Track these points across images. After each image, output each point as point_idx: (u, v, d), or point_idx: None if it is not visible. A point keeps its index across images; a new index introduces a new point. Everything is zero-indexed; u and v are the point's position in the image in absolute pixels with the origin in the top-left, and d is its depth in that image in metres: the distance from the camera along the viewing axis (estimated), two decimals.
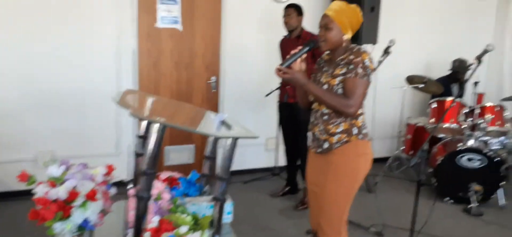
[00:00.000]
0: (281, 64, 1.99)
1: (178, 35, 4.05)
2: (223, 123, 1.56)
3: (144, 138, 1.83)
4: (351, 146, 2.01)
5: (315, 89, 1.96)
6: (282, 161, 4.43)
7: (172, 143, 4.20)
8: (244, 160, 4.53)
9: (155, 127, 1.32)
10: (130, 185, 1.87)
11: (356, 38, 3.78)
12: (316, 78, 2.12)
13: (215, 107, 4.35)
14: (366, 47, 4.02)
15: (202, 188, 2.04)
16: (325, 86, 2.00)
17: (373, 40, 4.02)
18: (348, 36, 1.99)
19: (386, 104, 4.98)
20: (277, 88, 4.12)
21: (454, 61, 4.81)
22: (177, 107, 2.00)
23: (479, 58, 2.75)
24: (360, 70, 1.92)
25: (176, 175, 2.08)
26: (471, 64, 2.85)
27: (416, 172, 2.62)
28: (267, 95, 4.17)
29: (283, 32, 3.78)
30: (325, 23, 1.98)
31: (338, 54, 2.03)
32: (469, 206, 3.78)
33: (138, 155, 1.95)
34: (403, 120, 4.83)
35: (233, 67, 4.30)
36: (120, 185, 2.12)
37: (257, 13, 4.30)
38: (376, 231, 3.36)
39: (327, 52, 2.12)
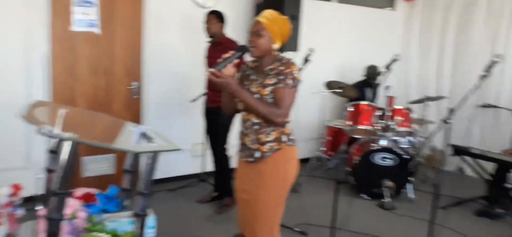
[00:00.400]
0: (212, 67, 1.95)
1: (96, 39, 3.83)
2: (144, 135, 1.50)
3: (55, 152, 1.70)
4: (281, 153, 2.05)
5: (247, 97, 1.96)
6: (209, 167, 4.39)
7: (90, 153, 3.95)
8: (169, 167, 4.42)
9: (67, 144, 1.23)
10: (40, 205, 1.72)
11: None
12: (243, 85, 2.11)
13: (137, 114, 4.19)
14: (288, 54, 4.17)
15: (122, 203, 1.95)
16: (257, 96, 2.00)
17: (294, 48, 4.17)
18: (277, 46, 2.01)
19: (307, 108, 5.20)
20: (202, 94, 4.09)
21: (367, 68, 5.18)
22: (93, 120, 1.88)
23: (388, 67, 2.98)
24: (289, 81, 1.96)
25: (92, 190, 1.97)
26: (382, 71, 3.08)
27: (335, 172, 2.78)
28: (193, 100, 4.12)
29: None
30: (257, 30, 1.98)
31: (266, 63, 2.05)
32: (383, 201, 4.09)
33: (49, 171, 1.81)
34: (323, 122, 5.07)
35: (156, 72, 4.18)
36: (30, 201, 1.95)
37: (180, 17, 4.22)
38: (300, 231, 3.48)
39: (254, 59, 2.13)
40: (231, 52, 2.00)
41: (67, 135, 1.25)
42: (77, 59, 3.78)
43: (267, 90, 1.99)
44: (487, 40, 5.03)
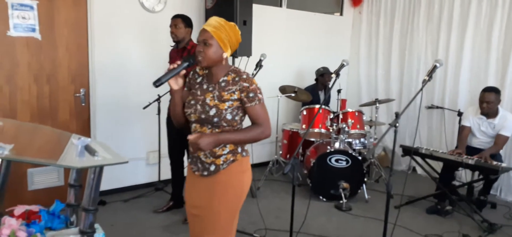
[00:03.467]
0: (156, 82, 1.84)
1: (37, 45, 3.60)
2: (87, 148, 1.39)
3: None
4: (237, 164, 2.00)
5: (230, 137, 1.90)
6: (165, 175, 4.26)
7: (36, 165, 3.70)
8: (123, 177, 4.25)
9: None
10: None
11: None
12: (196, 94, 2.00)
13: (86, 123, 3.98)
14: (242, 59, 4.15)
15: (68, 219, 1.81)
16: (214, 110, 1.90)
17: (247, 53, 4.15)
18: (227, 54, 1.94)
19: None
20: (155, 100, 3.97)
21: (318, 70, 5.27)
22: (34, 133, 1.73)
23: (337, 72, 3.02)
24: (260, 96, 1.94)
25: (34, 208, 1.81)
26: (332, 74, 3.12)
27: (291, 176, 2.79)
28: (145, 107, 3.98)
29: (160, 42, 3.65)
30: (204, 39, 1.89)
31: (219, 74, 1.96)
32: (340, 202, 4.16)
33: None
34: (279, 126, 5.10)
35: (105, 78, 4.00)
36: None
37: (128, 20, 4.07)
38: (259, 236, 3.45)
39: (201, 68, 2.05)
40: (177, 63, 1.91)
41: None
42: (16, 66, 3.53)
43: (226, 105, 1.91)
44: (429, 45, 5.29)
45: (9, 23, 3.43)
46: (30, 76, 3.61)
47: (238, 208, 2.05)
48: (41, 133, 1.83)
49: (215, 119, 1.91)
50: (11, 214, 1.78)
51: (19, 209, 1.83)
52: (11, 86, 3.53)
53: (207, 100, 1.94)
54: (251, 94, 1.91)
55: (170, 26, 3.50)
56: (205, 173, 2.00)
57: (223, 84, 1.94)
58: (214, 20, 1.91)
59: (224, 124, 1.92)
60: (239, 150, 2.01)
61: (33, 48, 3.58)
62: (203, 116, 1.93)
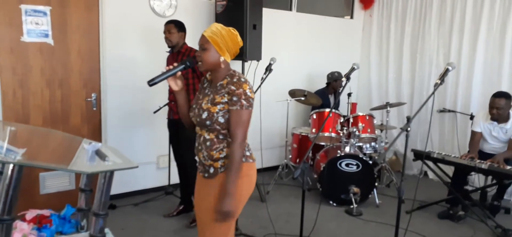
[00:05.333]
0: (150, 81, 1.92)
1: (50, 50, 3.65)
2: (98, 152, 1.40)
3: (1, 173, 1.56)
4: None
5: (229, 183, 1.90)
6: (175, 179, 4.27)
7: (48, 168, 3.74)
8: (134, 181, 4.28)
9: (10, 167, 1.12)
10: None
11: (241, 55, 3.88)
12: (198, 98, 2.06)
13: (97, 127, 4.02)
14: (251, 63, 4.16)
15: (79, 223, 1.82)
16: (205, 113, 1.94)
17: (257, 57, 4.16)
18: (225, 58, 1.97)
19: (272, 116, 5.20)
20: (165, 105, 3.99)
21: (328, 74, 5.25)
22: (45, 138, 1.75)
23: (347, 76, 3.01)
24: (244, 102, 1.91)
25: (46, 212, 1.83)
26: (342, 78, 3.10)
27: (301, 181, 2.79)
28: (155, 112, 4.00)
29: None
30: (201, 44, 1.96)
31: (218, 78, 2.00)
32: (350, 207, 4.12)
33: None
34: (289, 130, 5.08)
35: (116, 82, 4.03)
36: None
37: (139, 26, 4.10)
38: None
39: (209, 73, 2.09)
40: (174, 65, 1.98)
41: (9, 157, 1.14)
42: (29, 71, 3.59)
43: (217, 108, 1.94)
44: (441, 48, 5.23)
45: (23, 29, 3.48)
46: (42, 81, 3.66)
47: (236, 213, 2.05)
48: (53, 137, 1.85)
49: (207, 122, 1.95)
50: (22, 219, 1.80)
51: (30, 214, 1.85)
52: (24, 91, 3.58)
53: (202, 104, 1.99)
54: (234, 98, 1.91)
55: (164, 32, 3.55)
56: (206, 175, 2.05)
57: (218, 87, 1.98)
58: (213, 26, 1.97)
59: (218, 127, 1.95)
60: None
61: (46, 53, 3.63)
62: (198, 119, 1.99)
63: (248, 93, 1.93)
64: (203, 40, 1.95)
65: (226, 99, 1.93)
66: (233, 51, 2.00)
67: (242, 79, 1.95)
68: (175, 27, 3.51)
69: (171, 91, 3.68)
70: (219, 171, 2.00)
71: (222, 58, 1.96)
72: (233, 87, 1.92)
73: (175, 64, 1.98)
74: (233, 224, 2.10)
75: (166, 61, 3.72)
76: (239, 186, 1.99)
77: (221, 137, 1.97)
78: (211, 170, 2.02)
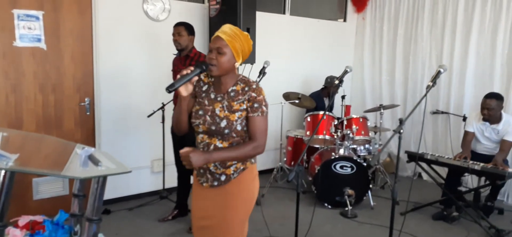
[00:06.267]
0: (168, 87, 1.78)
1: (43, 55, 3.63)
2: (91, 157, 1.40)
3: None
4: (247, 172, 1.98)
5: (222, 156, 1.85)
6: (169, 183, 4.27)
7: (41, 174, 3.72)
8: (128, 185, 4.26)
9: (1, 173, 1.11)
10: None
11: None
12: (204, 104, 1.95)
13: (91, 132, 4.00)
14: (245, 66, 4.17)
15: (72, 229, 1.81)
16: (224, 122, 1.87)
17: (251, 60, 4.18)
18: (238, 63, 1.90)
19: (268, 119, 5.19)
20: (159, 109, 3.99)
21: (327, 78, 5.28)
22: (38, 143, 1.74)
23: (340, 79, 3.02)
24: (264, 108, 1.90)
25: (38, 218, 1.81)
26: (336, 79, 3.12)
27: (296, 183, 2.79)
28: (150, 116, 4.00)
29: (164, 50, 3.67)
30: (218, 47, 1.83)
31: (229, 83, 1.92)
32: (345, 209, 4.13)
33: None
34: (284, 132, 5.09)
35: (110, 87, 4.02)
36: None
37: (132, 30, 4.10)
38: None
39: (205, 75, 2.01)
40: (190, 69, 1.85)
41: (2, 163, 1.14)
42: (22, 76, 3.57)
43: (236, 115, 1.88)
44: (433, 50, 5.27)
45: (15, 33, 3.47)
46: (35, 86, 3.64)
47: (248, 215, 2.05)
48: (46, 143, 1.84)
49: (226, 131, 1.87)
50: (15, 225, 1.78)
51: (23, 220, 1.83)
52: (17, 96, 3.56)
53: (217, 111, 1.90)
54: (255, 105, 1.88)
55: (173, 34, 3.51)
56: (215, 184, 1.97)
57: (232, 94, 1.91)
58: (229, 28, 1.87)
59: (234, 135, 1.90)
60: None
61: (38, 58, 3.61)
62: (213, 128, 1.88)
63: (266, 100, 1.93)
64: (221, 43, 1.83)
65: (245, 106, 1.88)
66: (245, 57, 1.92)
67: (260, 86, 1.92)
68: (185, 29, 3.46)
69: (176, 96, 3.65)
70: (232, 177, 1.96)
71: (237, 64, 1.89)
72: (254, 94, 1.88)
73: (191, 68, 1.84)
74: (246, 229, 2.06)
75: (172, 64, 3.70)
76: (252, 187, 2.01)
77: (234, 144, 1.91)
78: (223, 178, 1.96)
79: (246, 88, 1.90)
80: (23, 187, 3.69)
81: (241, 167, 1.97)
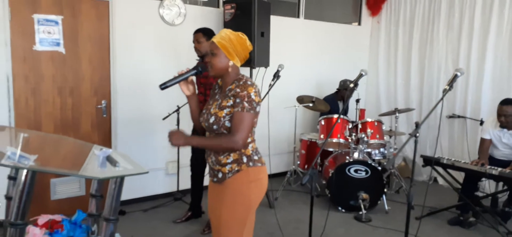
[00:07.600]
0: (162, 85, 1.98)
1: (61, 58, 3.72)
2: (108, 158, 1.43)
3: (15, 179, 1.60)
4: (242, 174, 2.01)
5: (198, 142, 2.03)
6: (184, 185, 4.30)
7: (60, 175, 3.80)
8: (143, 186, 4.31)
9: (23, 173, 1.15)
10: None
11: (250, 62, 3.90)
12: (208, 104, 2.10)
13: (107, 134, 4.07)
14: (259, 70, 4.18)
15: (89, 229, 1.85)
16: (213, 118, 1.98)
17: (265, 64, 4.19)
18: (234, 62, 2.00)
19: (280, 122, 5.21)
20: (174, 111, 4.03)
21: (341, 81, 5.26)
22: (57, 144, 1.79)
23: (355, 83, 3.01)
24: (246, 104, 1.92)
25: (57, 217, 1.85)
26: (351, 83, 3.11)
27: (309, 187, 2.79)
28: (165, 118, 4.05)
29: (180, 54, 3.70)
30: (211, 49, 2.00)
31: (228, 83, 2.04)
32: (359, 213, 4.10)
33: (9, 199, 1.70)
34: (297, 136, 5.09)
35: (126, 90, 4.09)
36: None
37: (149, 35, 4.16)
38: None
39: (219, 79, 2.13)
40: (187, 69, 2.03)
41: (20, 163, 1.17)
42: (41, 79, 3.65)
43: (224, 112, 1.97)
44: (449, 54, 5.20)
45: (35, 38, 3.56)
46: (54, 89, 3.72)
47: (247, 218, 2.06)
48: (64, 144, 1.89)
49: (214, 126, 1.98)
50: (35, 223, 1.83)
51: (42, 219, 1.88)
52: (36, 99, 3.65)
53: (211, 109, 2.03)
54: (237, 100, 1.94)
55: (193, 41, 3.54)
56: (215, 180, 2.09)
57: (226, 92, 2.01)
58: (222, 31, 2.01)
59: (224, 132, 1.98)
60: (245, 160, 2.01)
61: (57, 61, 3.70)
62: (206, 124, 2.02)
63: (253, 97, 1.93)
64: (212, 46, 1.99)
65: (231, 102, 1.96)
66: (242, 56, 2.02)
67: (249, 83, 1.97)
68: (203, 36, 3.46)
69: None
70: (227, 177, 2.02)
71: (231, 63, 1.99)
72: (238, 90, 1.95)
73: (188, 68, 2.04)
74: (244, 228, 2.08)
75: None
76: (248, 191, 2.01)
77: None
78: (220, 175, 2.05)
79: (236, 85, 1.99)
80: (42, 187, 3.77)
81: (236, 168, 2.01)
